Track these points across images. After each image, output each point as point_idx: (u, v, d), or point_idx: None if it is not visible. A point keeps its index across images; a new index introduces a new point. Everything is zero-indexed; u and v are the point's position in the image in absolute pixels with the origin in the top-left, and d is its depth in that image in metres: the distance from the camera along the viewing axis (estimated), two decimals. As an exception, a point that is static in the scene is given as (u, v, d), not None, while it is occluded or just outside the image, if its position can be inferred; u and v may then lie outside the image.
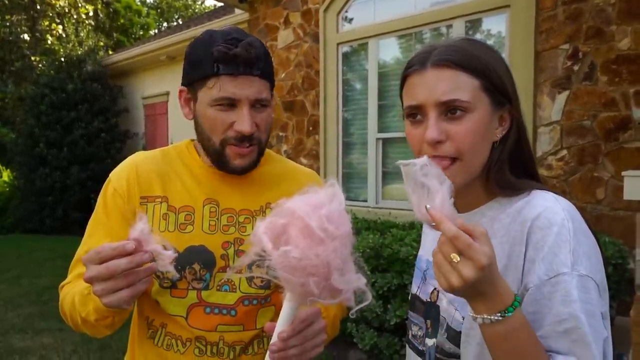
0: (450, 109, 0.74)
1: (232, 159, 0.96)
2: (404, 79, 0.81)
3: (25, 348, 3.70)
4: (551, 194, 0.76)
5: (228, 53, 0.88)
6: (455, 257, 0.60)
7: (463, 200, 0.83)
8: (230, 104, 0.92)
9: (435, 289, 0.88)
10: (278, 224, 0.67)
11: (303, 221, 0.65)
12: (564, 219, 0.71)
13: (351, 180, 5.15)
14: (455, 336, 0.78)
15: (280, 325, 0.73)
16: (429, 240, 0.98)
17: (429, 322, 0.87)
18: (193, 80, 0.94)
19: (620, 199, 3.19)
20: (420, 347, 0.88)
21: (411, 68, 0.79)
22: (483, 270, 0.59)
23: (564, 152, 3.61)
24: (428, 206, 0.63)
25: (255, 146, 0.96)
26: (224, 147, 0.95)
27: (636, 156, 3.29)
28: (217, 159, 0.97)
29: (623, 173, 2.40)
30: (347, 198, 5.09)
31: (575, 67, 3.53)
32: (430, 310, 0.87)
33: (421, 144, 0.77)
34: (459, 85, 0.74)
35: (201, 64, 0.91)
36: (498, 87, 0.76)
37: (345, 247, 0.67)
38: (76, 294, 0.90)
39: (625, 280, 2.83)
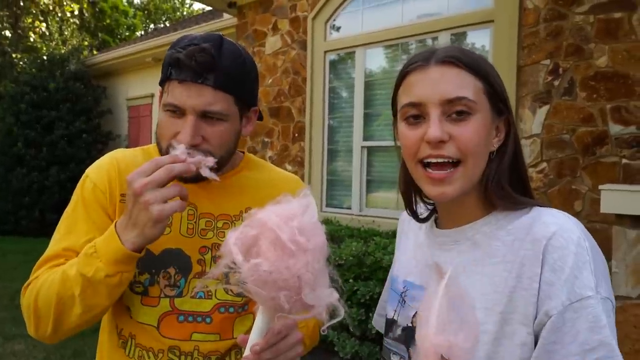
0: (455, 110, 0.69)
1: None
2: (402, 77, 0.76)
3: (-6, 354, 3.58)
4: (559, 211, 0.71)
5: (173, 57, 0.86)
6: None
7: (455, 214, 0.77)
8: (177, 111, 0.87)
9: (417, 312, 0.77)
10: (249, 235, 0.65)
11: (274, 233, 0.63)
12: (580, 237, 0.65)
13: (335, 188, 5.15)
14: None
15: (253, 338, 0.71)
16: (406, 257, 0.89)
17: (411, 350, 0.77)
18: (160, 82, 0.93)
19: (597, 212, 3.26)
20: None
21: (413, 64, 0.73)
22: None
23: (544, 164, 3.68)
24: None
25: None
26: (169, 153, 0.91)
27: (612, 170, 3.38)
28: None
29: (600, 187, 2.47)
30: (331, 205, 5.10)
31: (556, 82, 3.62)
32: (412, 336, 0.76)
33: (419, 144, 0.71)
34: (464, 84, 0.70)
35: (163, 67, 0.91)
36: (499, 94, 0.74)
37: (318, 261, 0.65)
38: (67, 268, 0.82)
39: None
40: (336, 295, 0.65)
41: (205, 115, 0.87)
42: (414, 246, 0.88)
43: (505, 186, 0.74)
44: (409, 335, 0.79)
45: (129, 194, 0.77)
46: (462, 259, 0.75)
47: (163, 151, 0.91)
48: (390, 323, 0.85)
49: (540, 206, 0.73)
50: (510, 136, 0.76)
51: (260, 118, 1.04)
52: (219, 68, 0.86)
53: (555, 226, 0.67)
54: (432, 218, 0.86)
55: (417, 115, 0.72)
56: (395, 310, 0.84)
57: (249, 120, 0.99)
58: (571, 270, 0.63)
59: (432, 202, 0.85)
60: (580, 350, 0.60)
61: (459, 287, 0.56)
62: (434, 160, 0.70)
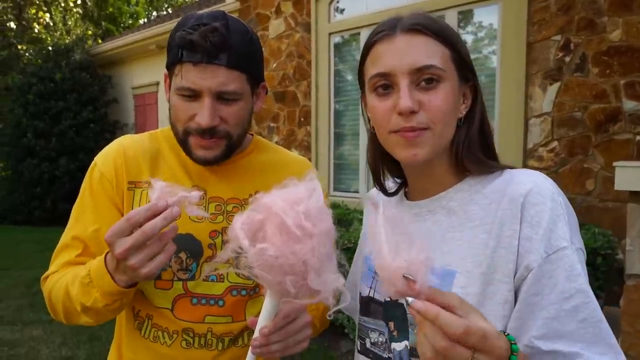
0: (424, 78, 0.69)
1: (195, 149, 0.91)
2: (368, 48, 0.74)
3: (14, 340, 3.66)
4: (531, 170, 0.73)
5: (185, 39, 0.83)
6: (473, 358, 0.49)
7: (427, 183, 0.78)
8: (193, 94, 0.86)
9: (436, 288, 0.79)
10: (255, 219, 0.64)
11: (279, 218, 0.62)
12: (554, 192, 0.68)
13: (343, 172, 5.13)
14: None
15: (262, 321, 0.71)
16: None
17: (391, 324, 0.78)
18: (167, 65, 0.91)
19: (609, 190, 3.21)
20: (385, 355, 0.79)
21: (378, 34, 0.72)
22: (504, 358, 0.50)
23: (555, 143, 3.62)
24: (411, 301, 0.50)
25: (223, 139, 0.90)
26: (187, 136, 0.90)
27: (625, 148, 3.31)
28: (183, 148, 0.94)
29: (614, 164, 2.41)
30: (339, 189, 5.09)
31: (567, 59, 3.53)
32: (391, 310, 0.78)
33: (390, 116, 0.71)
34: (432, 52, 0.69)
35: (172, 49, 0.88)
36: (465, 61, 0.73)
37: (324, 246, 0.64)
38: (70, 284, 0.85)
39: (614, 270, 2.86)
40: (342, 280, 0.65)
41: (220, 96, 0.87)
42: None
43: (477, 152, 0.74)
44: (387, 310, 0.79)
45: (111, 255, 0.74)
46: (439, 228, 0.75)
47: (180, 134, 0.91)
48: (367, 301, 0.84)
49: (511, 168, 0.74)
50: (477, 102, 0.77)
51: (265, 92, 1.03)
52: (232, 47, 0.85)
53: (530, 184, 0.68)
54: (402, 192, 0.86)
55: (386, 85, 0.71)
56: (371, 287, 0.84)
57: (258, 97, 0.98)
58: (547, 224, 0.65)
59: (400, 176, 0.85)
60: (558, 298, 0.62)
61: (392, 211, 0.57)
62: (407, 125, 0.70)
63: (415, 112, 0.69)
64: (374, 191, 0.94)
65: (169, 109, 0.94)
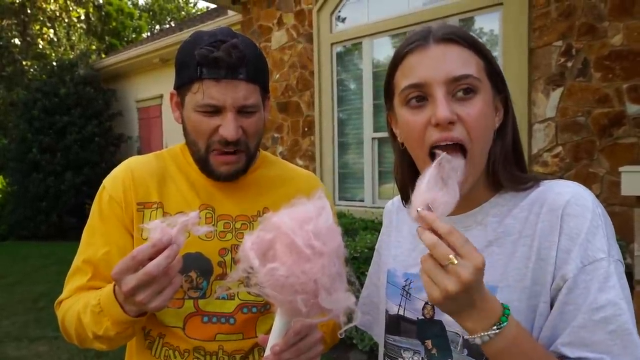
0: (461, 88, 0.67)
1: (217, 166, 0.92)
2: (399, 60, 0.72)
3: (20, 357, 3.65)
4: (567, 181, 0.71)
5: (209, 56, 0.85)
6: (453, 259, 0.54)
7: (462, 199, 0.76)
8: (214, 110, 0.88)
9: (427, 303, 0.77)
10: (265, 239, 0.64)
11: (289, 237, 0.62)
12: (594, 204, 0.66)
13: (347, 181, 5.13)
14: (480, 350, 0.65)
15: (273, 338, 0.71)
16: (403, 250, 0.86)
17: (428, 342, 0.75)
18: (180, 84, 0.92)
19: (615, 195, 3.19)
20: None
21: (410, 45, 0.70)
22: (480, 272, 0.54)
23: (559, 148, 3.61)
24: (419, 209, 0.59)
25: (243, 153, 0.92)
26: (209, 153, 0.92)
27: (630, 151, 3.29)
28: (203, 166, 0.95)
29: (620, 169, 2.40)
30: (344, 198, 5.08)
31: (569, 64, 3.53)
32: (427, 329, 0.76)
33: (425, 129, 0.67)
34: (468, 62, 0.68)
35: (187, 67, 0.89)
36: (497, 72, 0.72)
37: (334, 265, 0.64)
38: (82, 312, 0.85)
39: (623, 275, 2.84)
40: (353, 299, 0.65)
41: (242, 110, 0.89)
42: (413, 238, 0.85)
43: (512, 167, 0.73)
44: (422, 328, 0.77)
45: (119, 290, 0.73)
46: (475, 243, 0.73)
47: (202, 151, 0.92)
48: (396, 319, 0.81)
49: (544, 179, 0.73)
50: (509, 114, 0.75)
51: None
52: (249, 61, 0.88)
53: (568, 195, 0.67)
54: None
55: (420, 97, 0.69)
56: (400, 305, 0.81)
57: (265, 108, 0.99)
58: (585, 236, 0.64)
59: None
60: (589, 308, 0.61)
61: (448, 166, 0.63)
62: (443, 144, 0.67)
63: (453, 122, 0.66)
64: (390, 207, 0.95)
65: (184, 128, 0.94)
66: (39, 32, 14.40)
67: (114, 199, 0.95)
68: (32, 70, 11.83)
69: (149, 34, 18.83)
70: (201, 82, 0.87)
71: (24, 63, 13.27)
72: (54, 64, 9.64)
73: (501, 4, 3.82)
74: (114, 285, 0.77)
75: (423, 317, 0.77)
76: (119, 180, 0.97)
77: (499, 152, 0.73)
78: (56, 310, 0.96)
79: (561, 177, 3.55)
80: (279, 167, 1.08)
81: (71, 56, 9.59)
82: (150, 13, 21.18)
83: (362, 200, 4.92)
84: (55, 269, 5.81)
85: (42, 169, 8.57)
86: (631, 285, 2.27)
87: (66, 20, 15.05)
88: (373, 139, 4.80)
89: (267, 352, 0.71)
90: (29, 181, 8.63)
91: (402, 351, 0.80)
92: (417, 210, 0.59)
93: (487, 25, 4.07)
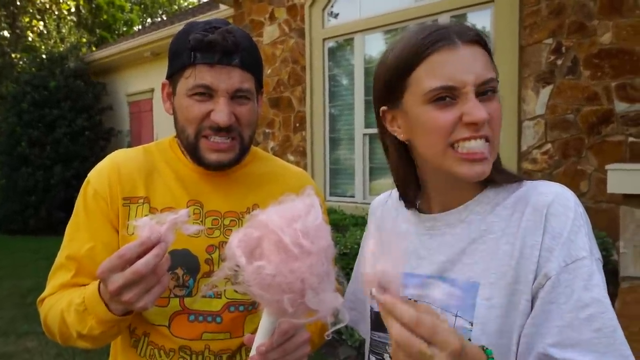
0: (487, 90, 0.70)
1: (207, 153, 0.89)
2: (421, 59, 0.70)
3: (8, 352, 3.62)
4: (550, 182, 0.74)
5: (203, 40, 0.83)
6: (425, 352, 0.50)
7: (448, 196, 0.78)
8: (207, 93, 0.86)
9: (411, 299, 0.77)
10: (252, 236, 0.63)
11: (276, 235, 0.61)
12: (575, 203, 0.69)
13: (338, 177, 5.14)
14: None
15: (259, 338, 0.70)
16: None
17: None
18: (173, 72, 0.90)
19: (603, 192, 3.23)
20: None
21: (436, 44, 0.69)
22: (458, 354, 0.51)
23: (548, 145, 3.64)
24: (374, 293, 0.54)
25: (236, 141, 0.90)
26: (198, 139, 0.89)
27: (618, 149, 3.33)
28: (193, 152, 0.92)
29: (607, 167, 2.43)
30: (335, 194, 5.09)
31: (559, 62, 3.55)
32: None
33: (453, 127, 0.69)
34: (490, 65, 0.72)
35: (180, 54, 0.87)
36: (498, 75, 0.75)
37: (322, 264, 0.62)
38: (65, 311, 0.83)
39: (608, 272, 2.87)
40: (341, 299, 0.64)
41: (234, 96, 0.88)
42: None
43: (499, 162, 0.76)
44: None
45: (104, 289, 0.72)
46: (459, 240, 0.75)
47: (191, 137, 0.89)
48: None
49: (527, 179, 0.76)
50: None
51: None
52: (244, 49, 0.87)
53: (552, 195, 0.69)
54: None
55: (449, 96, 0.69)
56: None
57: (259, 102, 0.98)
58: (568, 235, 0.66)
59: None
60: (574, 307, 0.63)
61: (403, 225, 0.59)
62: (474, 143, 0.69)
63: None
64: (375, 205, 0.94)
65: (175, 115, 0.93)
66: (28, 25, 14.19)
67: (99, 194, 0.92)
68: (21, 63, 11.66)
69: (140, 27, 18.62)
70: (194, 67, 0.85)
71: (13, 56, 13.07)
72: (44, 56, 9.49)
73: (492, 1, 3.83)
74: (99, 283, 0.75)
75: None
76: (104, 174, 0.94)
77: None
78: (39, 307, 0.93)
79: (550, 174, 3.59)
80: (270, 163, 1.06)
81: (61, 49, 9.42)
82: (142, 6, 20.92)
83: (352, 196, 4.93)
84: (44, 264, 5.75)
85: (31, 163, 8.46)
86: (617, 282, 2.30)
87: (56, 13, 14.83)
88: (364, 135, 4.80)
89: (253, 352, 0.70)
90: (18, 175, 8.51)
91: (387, 347, 0.81)
92: (373, 295, 0.55)
93: (479, 22, 4.08)
